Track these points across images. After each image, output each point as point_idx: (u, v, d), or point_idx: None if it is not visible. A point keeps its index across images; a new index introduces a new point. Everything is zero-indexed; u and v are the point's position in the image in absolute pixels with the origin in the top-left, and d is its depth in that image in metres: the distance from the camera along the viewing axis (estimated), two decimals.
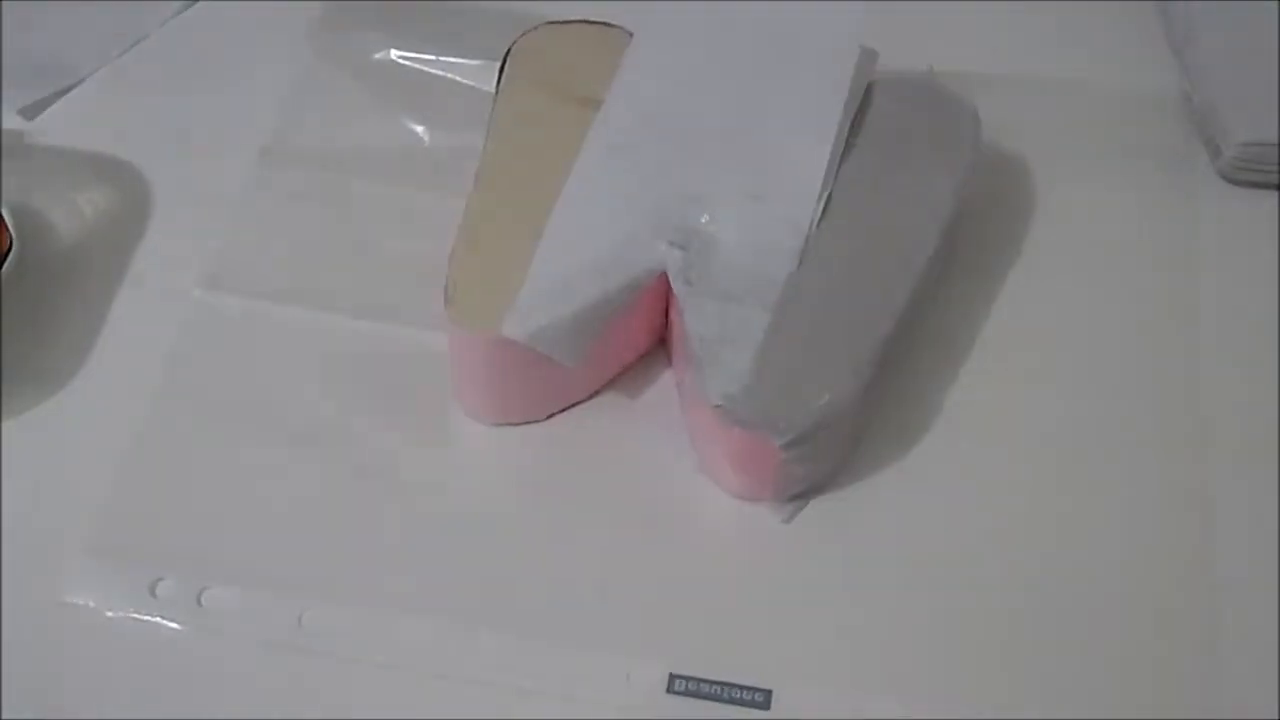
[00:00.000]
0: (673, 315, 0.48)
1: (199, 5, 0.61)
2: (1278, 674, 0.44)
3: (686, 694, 0.44)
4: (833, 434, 0.46)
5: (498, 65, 0.53)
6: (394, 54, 0.59)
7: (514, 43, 0.53)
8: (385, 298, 0.52)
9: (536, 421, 0.50)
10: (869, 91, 0.51)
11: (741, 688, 0.44)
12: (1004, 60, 0.59)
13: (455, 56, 0.58)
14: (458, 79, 0.58)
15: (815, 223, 0.48)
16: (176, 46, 0.60)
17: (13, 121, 0.56)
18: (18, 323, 0.51)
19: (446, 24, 0.60)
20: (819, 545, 0.47)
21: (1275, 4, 0.58)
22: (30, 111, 0.56)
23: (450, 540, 0.47)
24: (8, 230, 0.51)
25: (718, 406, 0.44)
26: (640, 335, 0.50)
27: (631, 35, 0.53)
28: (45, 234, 0.54)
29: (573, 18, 0.54)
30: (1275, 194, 0.56)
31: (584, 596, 0.46)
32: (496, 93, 0.52)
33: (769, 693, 0.44)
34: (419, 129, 0.57)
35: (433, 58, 0.59)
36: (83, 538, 0.47)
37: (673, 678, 0.44)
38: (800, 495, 0.48)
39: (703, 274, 0.47)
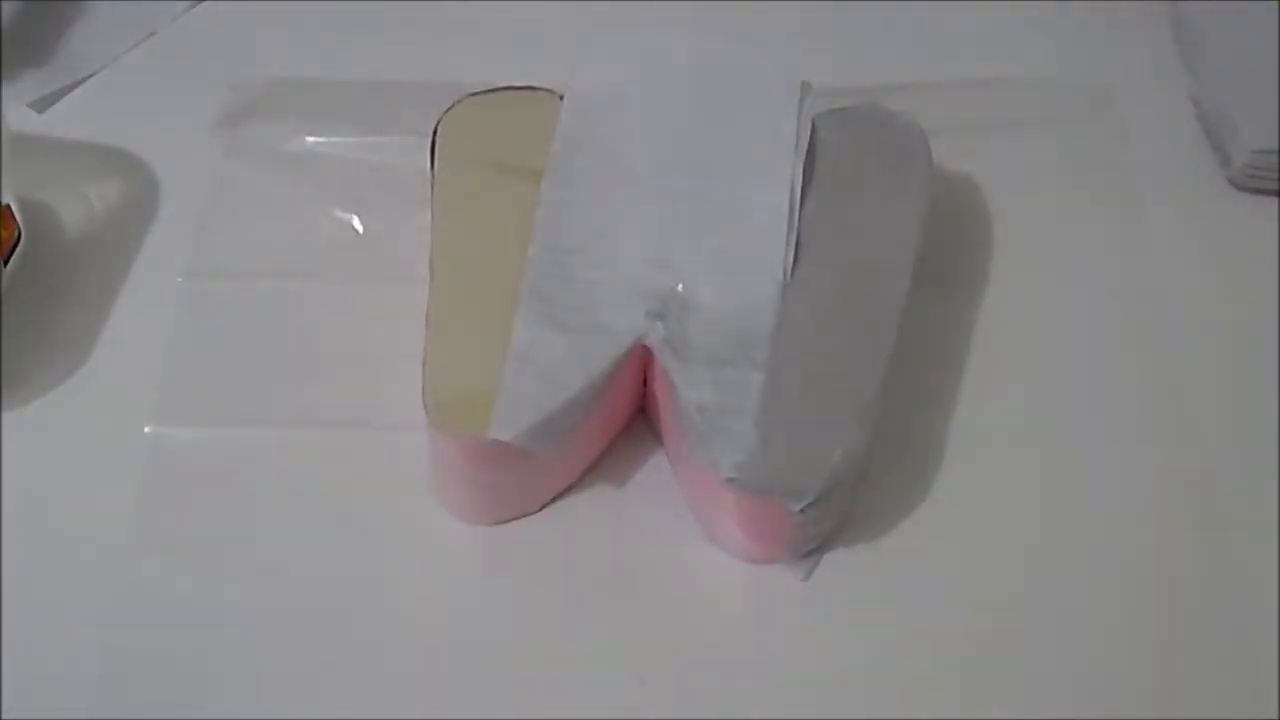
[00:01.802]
0: (655, 385, 0.47)
1: (205, 4, 0.61)
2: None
3: None
4: (845, 486, 0.45)
5: (418, 141, 0.51)
6: (309, 140, 0.56)
7: (439, 120, 0.51)
8: (346, 403, 0.50)
9: (528, 515, 0.48)
10: (815, 126, 0.50)
11: None
12: (1011, 65, 0.59)
13: (374, 136, 0.56)
14: (381, 160, 0.55)
15: (789, 271, 0.47)
16: (186, 41, 0.60)
17: (23, 114, 0.56)
18: (25, 314, 0.51)
19: (358, 103, 0.57)
20: (842, 595, 0.47)
21: None
22: (41, 105, 0.57)
23: (473, 662, 0.45)
24: (16, 222, 0.51)
25: (731, 479, 0.43)
26: (622, 408, 0.49)
27: (559, 97, 0.51)
28: (53, 226, 0.54)
29: (495, 86, 0.52)
30: None
31: (624, 690, 0.45)
32: (432, 175, 0.50)
33: None
34: (350, 218, 0.54)
35: (352, 140, 0.56)
36: None
37: None
38: (814, 551, 0.47)
39: (687, 342, 0.45)
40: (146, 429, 0.49)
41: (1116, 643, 0.46)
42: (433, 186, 0.50)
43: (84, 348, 0.51)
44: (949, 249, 0.53)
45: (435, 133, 0.51)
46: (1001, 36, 0.60)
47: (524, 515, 0.48)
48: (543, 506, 0.48)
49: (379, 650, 0.45)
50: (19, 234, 0.52)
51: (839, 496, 0.45)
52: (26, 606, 0.45)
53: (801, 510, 0.43)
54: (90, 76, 0.58)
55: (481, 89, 0.52)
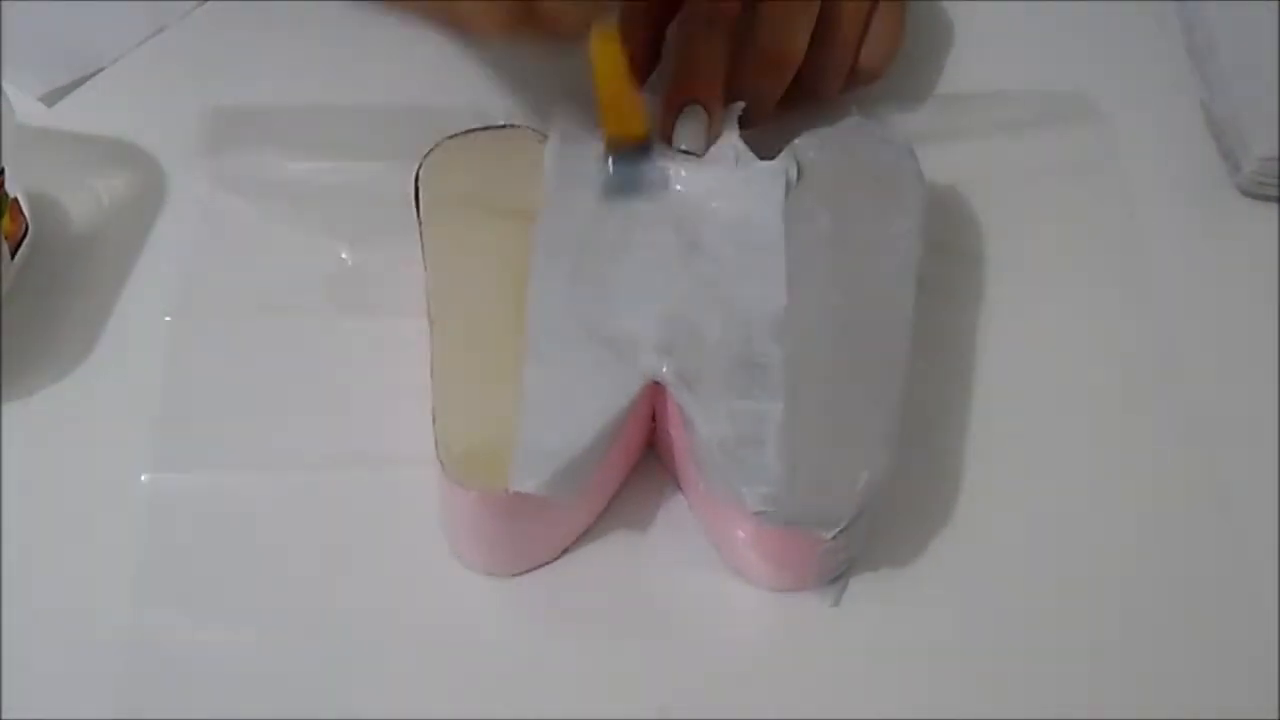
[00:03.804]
0: (666, 421, 0.46)
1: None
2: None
3: None
4: (872, 509, 0.44)
5: (403, 166, 0.49)
6: (292, 167, 0.54)
7: (420, 164, 0.49)
8: (347, 441, 0.49)
9: (548, 563, 0.47)
10: (801, 147, 0.50)
11: None
12: (1020, 69, 0.59)
13: (358, 162, 0.54)
14: (367, 187, 0.53)
15: (786, 293, 0.46)
16: (196, 36, 0.60)
17: (32, 108, 0.56)
18: (32, 307, 0.51)
19: (338, 130, 0.56)
20: (870, 619, 0.46)
21: None
22: (50, 98, 0.57)
23: (492, 691, 0.45)
24: (23, 216, 0.52)
25: (760, 513, 0.42)
26: (634, 447, 0.48)
27: (539, 133, 0.50)
28: (61, 220, 0.54)
29: (478, 114, 0.51)
30: None
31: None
32: (419, 220, 0.49)
33: None
34: (339, 248, 0.53)
35: (334, 166, 0.54)
36: None
37: None
38: (840, 575, 0.46)
39: (698, 374, 0.44)
40: (144, 477, 0.48)
41: (1140, 653, 0.46)
42: (421, 235, 0.49)
43: (90, 341, 0.51)
44: (956, 262, 0.53)
45: (417, 179, 0.49)
46: (1007, 43, 0.60)
47: (544, 564, 0.47)
48: (562, 553, 0.47)
49: (390, 687, 0.45)
50: (26, 227, 0.52)
51: (866, 519, 0.44)
52: (21, 655, 0.45)
53: (831, 538, 0.43)
54: (100, 70, 0.58)
55: (460, 130, 0.50)
